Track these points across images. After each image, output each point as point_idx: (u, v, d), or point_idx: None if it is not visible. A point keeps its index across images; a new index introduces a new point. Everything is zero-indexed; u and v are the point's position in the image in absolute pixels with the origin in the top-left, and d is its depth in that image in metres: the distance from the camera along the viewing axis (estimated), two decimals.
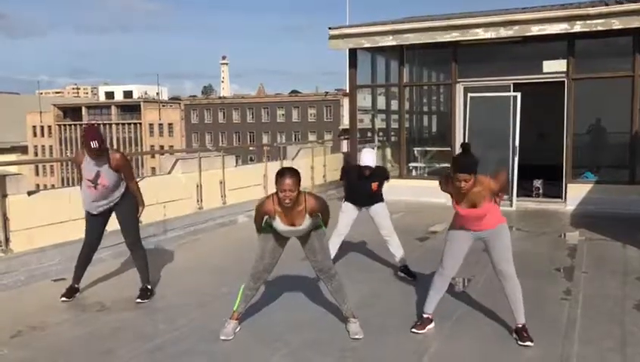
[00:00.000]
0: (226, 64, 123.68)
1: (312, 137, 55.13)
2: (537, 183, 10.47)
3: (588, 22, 9.29)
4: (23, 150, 74.42)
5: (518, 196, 10.03)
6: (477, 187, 3.96)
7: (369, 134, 13.08)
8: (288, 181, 3.97)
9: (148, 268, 5.28)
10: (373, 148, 5.89)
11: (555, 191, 10.26)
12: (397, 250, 5.84)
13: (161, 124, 73.71)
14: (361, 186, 5.70)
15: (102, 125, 76.35)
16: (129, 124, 75.62)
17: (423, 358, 3.92)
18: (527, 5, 11.36)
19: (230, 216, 8.94)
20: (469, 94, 10.48)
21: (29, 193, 6.09)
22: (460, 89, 10.74)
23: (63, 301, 5.09)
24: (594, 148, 11.81)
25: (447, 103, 11.78)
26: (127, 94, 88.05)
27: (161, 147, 66.73)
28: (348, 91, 12.09)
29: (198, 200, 8.44)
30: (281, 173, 4.03)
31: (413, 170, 11.78)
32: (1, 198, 5.71)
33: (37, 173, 72.82)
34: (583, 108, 10.15)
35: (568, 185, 9.94)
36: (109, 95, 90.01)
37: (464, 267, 4.51)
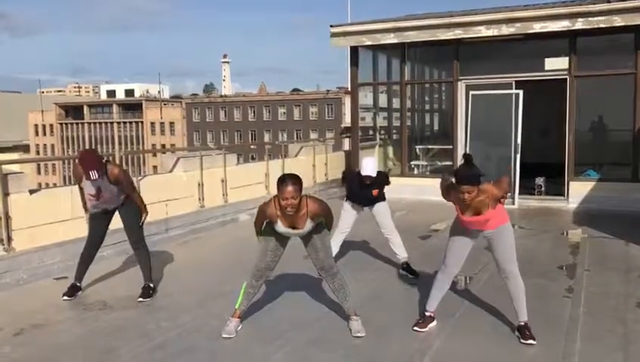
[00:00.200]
0: (228, 62, 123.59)
1: (313, 135, 55.11)
2: (539, 181, 10.45)
3: (590, 19, 9.27)
4: (25, 149, 74.50)
5: (520, 194, 10.02)
6: (480, 196, 3.93)
7: (371, 132, 13.07)
8: (290, 189, 3.97)
9: (151, 266, 5.28)
10: (373, 157, 5.86)
11: (557, 188, 10.24)
12: (399, 248, 5.83)
13: (162, 123, 73.70)
14: (362, 193, 5.72)
15: (103, 124, 76.53)
16: (130, 122, 75.63)
17: (425, 356, 3.91)
18: (529, 3, 11.35)
19: (232, 215, 8.94)
20: (471, 92, 10.46)
21: (31, 192, 6.10)
22: (461, 87, 10.72)
23: (65, 299, 5.10)
24: (596, 145, 11.79)
25: (449, 101, 11.76)
26: (129, 93, 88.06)
27: (163, 146, 66.73)
28: (349, 89, 12.08)
29: (199, 199, 8.44)
30: (283, 181, 4.01)
31: (415, 168, 11.77)
32: (3, 197, 5.71)
33: (39, 172, 72.86)
34: (585, 106, 10.13)
35: (570, 182, 9.93)
36: (111, 94, 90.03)
37: (466, 265, 4.50)
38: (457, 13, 10.59)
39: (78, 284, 5.25)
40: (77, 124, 78.29)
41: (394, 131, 12.82)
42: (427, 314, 4.40)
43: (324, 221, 4.32)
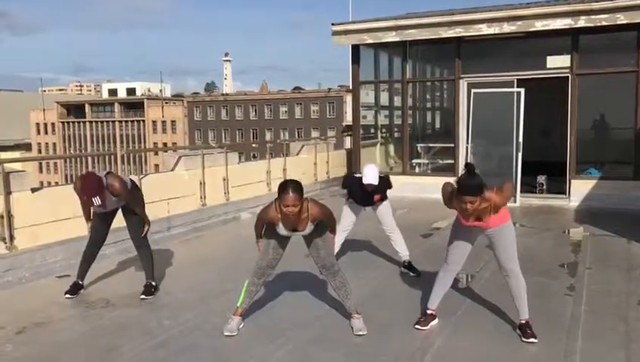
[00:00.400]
0: (229, 61, 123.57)
1: (315, 134, 55.08)
2: (541, 179, 10.45)
3: (592, 17, 9.25)
4: (27, 147, 74.63)
5: (521, 192, 10.01)
6: (483, 204, 3.91)
7: (372, 130, 13.07)
8: (292, 196, 3.97)
9: (153, 264, 5.29)
10: (375, 164, 5.81)
11: (558, 187, 10.24)
12: (400, 247, 5.84)
13: (164, 122, 73.72)
14: (364, 199, 5.70)
15: (105, 123, 76.56)
16: (132, 121, 75.67)
17: (427, 354, 3.92)
18: (531, 0, 11.33)
19: (233, 213, 8.95)
20: (473, 90, 10.45)
21: (33, 190, 6.11)
22: (463, 85, 10.71)
23: (67, 297, 5.11)
24: (598, 144, 11.77)
25: (450, 99, 11.75)
26: (131, 91, 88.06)
27: (165, 144, 66.81)
28: (351, 87, 12.07)
29: (201, 197, 8.44)
30: (284, 188, 4.00)
31: (417, 167, 11.77)
32: (6, 195, 5.72)
33: (40, 171, 72.98)
34: (586, 104, 10.12)
35: (572, 181, 9.92)
36: (112, 92, 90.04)
37: (468, 263, 4.50)
38: (458, 11, 10.58)
39: (81, 282, 5.26)
40: (79, 122, 78.35)
41: (395, 129, 12.81)
42: (429, 312, 4.40)
43: (326, 225, 4.32)
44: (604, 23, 9.19)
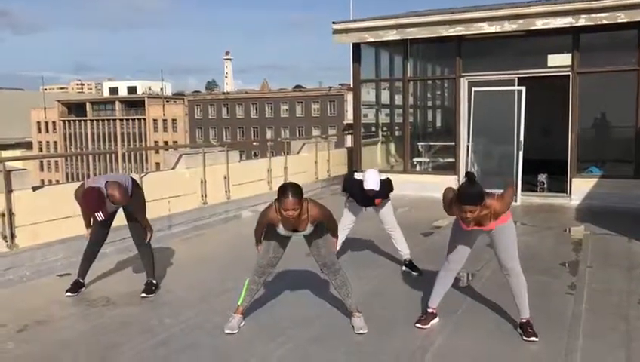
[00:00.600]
0: (230, 59, 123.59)
1: (315, 132, 55.02)
2: (542, 178, 10.44)
3: (593, 15, 9.24)
4: (28, 146, 74.67)
5: (522, 191, 10.01)
6: (483, 211, 3.90)
7: (373, 129, 13.06)
8: (292, 200, 3.96)
9: (154, 263, 5.30)
10: (376, 169, 5.74)
11: (559, 185, 10.23)
12: (401, 245, 5.84)
13: (165, 120, 73.73)
14: (365, 201, 5.69)
15: (106, 121, 76.58)
16: (133, 119, 75.70)
17: (428, 353, 3.92)
18: None
19: (234, 211, 8.95)
20: (474, 88, 10.44)
21: (34, 188, 6.11)
22: (464, 83, 10.70)
23: (68, 296, 5.11)
24: (599, 142, 11.76)
25: (451, 98, 11.74)
26: (131, 90, 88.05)
27: (165, 142, 66.82)
28: (352, 86, 12.07)
29: (202, 196, 8.45)
30: (284, 192, 3.98)
31: (418, 165, 11.76)
32: (7, 194, 5.72)
33: (42, 169, 73.02)
34: (587, 103, 10.10)
35: (573, 179, 9.91)
36: (113, 91, 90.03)
37: (469, 261, 4.50)
38: (459, 10, 10.57)
39: (82, 281, 5.26)
40: (79, 121, 78.39)
41: (396, 128, 12.80)
42: (429, 310, 4.41)
43: (327, 227, 4.32)
44: (604, 22, 9.17)
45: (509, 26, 9.83)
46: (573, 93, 9.85)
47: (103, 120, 77.34)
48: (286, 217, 4.03)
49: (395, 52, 11.67)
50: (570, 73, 9.84)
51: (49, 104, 78.00)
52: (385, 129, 13.04)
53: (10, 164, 5.92)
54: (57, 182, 53.45)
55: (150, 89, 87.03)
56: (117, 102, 78.57)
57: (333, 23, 11.18)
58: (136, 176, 6.42)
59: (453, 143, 10.93)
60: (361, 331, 4.22)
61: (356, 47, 11.38)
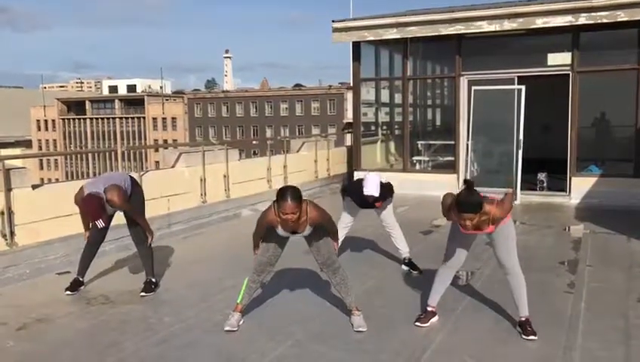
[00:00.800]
0: (230, 58, 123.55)
1: (315, 131, 55.04)
2: (541, 176, 10.44)
3: (593, 14, 9.24)
4: (27, 144, 74.54)
5: (522, 189, 10.01)
6: (482, 217, 3.90)
7: (373, 128, 13.06)
8: (291, 204, 3.95)
9: (153, 261, 5.30)
10: (377, 175, 5.68)
11: (559, 184, 10.24)
12: (401, 244, 5.84)
13: (164, 118, 73.73)
14: (364, 204, 5.67)
15: (105, 119, 76.56)
16: (132, 118, 75.71)
17: (427, 351, 3.92)
18: None
19: (234, 210, 8.96)
20: (473, 87, 10.45)
21: (34, 187, 6.11)
22: (464, 82, 10.70)
23: (67, 294, 5.11)
24: (599, 141, 11.76)
25: (450, 97, 11.74)
26: (131, 88, 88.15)
27: (165, 141, 66.80)
28: (351, 85, 12.07)
29: (201, 194, 8.45)
30: (283, 196, 3.97)
31: (417, 164, 11.76)
32: (6, 192, 5.72)
33: (41, 167, 73.03)
34: (587, 102, 10.11)
35: (573, 178, 9.92)
36: (113, 89, 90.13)
37: (468, 260, 4.50)
38: (459, 9, 10.57)
39: (81, 279, 5.26)
40: (79, 119, 78.39)
41: (396, 127, 12.80)
42: (429, 309, 4.41)
43: (326, 230, 4.31)
44: (604, 21, 9.17)
45: (509, 25, 9.83)
46: (573, 92, 9.85)
47: (102, 118, 77.34)
48: (285, 220, 4.03)
49: (395, 51, 11.67)
50: (570, 72, 9.85)
51: (48, 102, 78.00)
52: (385, 128, 13.04)
53: (9, 163, 5.91)
54: (57, 180, 53.47)
55: (150, 87, 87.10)
56: (116, 101, 78.58)
57: (333, 21, 11.17)
58: (135, 175, 6.42)
59: (452, 142, 10.94)
60: (361, 329, 4.22)
61: (356, 45, 11.37)
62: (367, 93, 12.61)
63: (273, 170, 10.07)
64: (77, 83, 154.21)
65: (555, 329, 4.21)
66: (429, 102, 13.93)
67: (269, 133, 65.52)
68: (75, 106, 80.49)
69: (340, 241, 5.79)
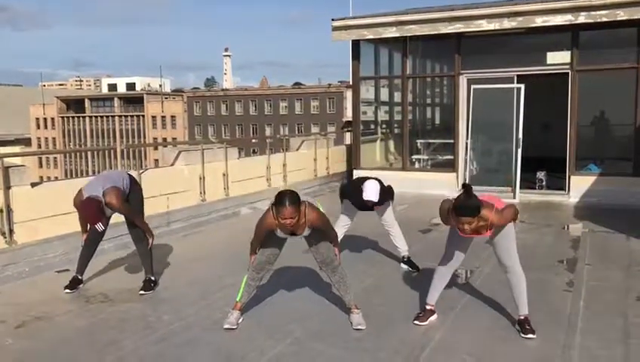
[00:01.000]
0: (229, 56, 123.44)
1: (315, 129, 55.05)
2: (540, 175, 10.45)
3: (592, 13, 9.24)
4: (27, 142, 74.51)
5: (521, 188, 10.02)
6: (480, 223, 3.89)
7: (372, 126, 13.07)
8: (289, 209, 3.93)
9: (152, 259, 5.29)
10: (377, 181, 5.65)
11: (558, 183, 10.24)
12: (400, 242, 5.84)
13: (163, 117, 73.69)
14: (363, 207, 5.66)
15: (105, 117, 76.51)
16: (132, 116, 75.65)
17: (426, 349, 3.93)
18: None
19: (233, 208, 8.96)
20: (473, 86, 10.45)
21: (33, 185, 6.11)
22: (463, 81, 10.70)
23: (66, 292, 5.11)
24: (598, 140, 11.77)
25: (450, 95, 11.74)
26: (130, 86, 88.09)
27: (164, 139, 66.73)
28: (351, 83, 12.06)
29: (201, 193, 8.45)
30: (281, 202, 3.94)
31: (416, 163, 11.77)
32: (5, 190, 5.72)
33: (40, 165, 73.00)
34: (586, 100, 10.11)
35: (572, 177, 9.92)
36: (112, 87, 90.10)
37: (467, 258, 4.50)
38: (459, 7, 10.57)
39: (80, 277, 5.26)
40: (78, 117, 78.32)
41: (395, 125, 12.81)
42: (428, 307, 4.41)
43: (326, 233, 4.30)
44: (604, 19, 9.18)
45: (509, 24, 9.83)
46: (573, 91, 9.85)
47: (101, 116, 77.28)
48: (284, 224, 4.02)
49: (395, 49, 11.67)
50: (569, 71, 9.85)
51: (48, 100, 77.92)
52: (384, 126, 13.04)
53: (9, 160, 5.90)
54: (56, 178, 53.48)
55: (149, 85, 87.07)
56: (116, 99, 78.52)
57: (333, 19, 11.17)
58: (134, 173, 6.42)
59: (452, 141, 10.94)
60: (360, 327, 4.23)
61: (355, 44, 11.37)
62: (367, 91, 12.61)
63: (272, 168, 10.07)
64: (76, 81, 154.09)
65: (554, 328, 4.22)
66: (429, 100, 13.92)
67: (268, 131, 65.50)
68: (74, 104, 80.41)
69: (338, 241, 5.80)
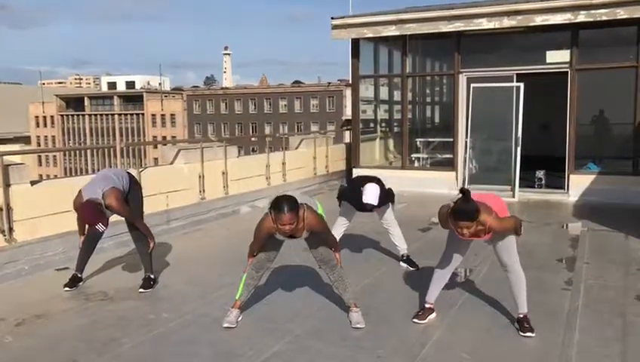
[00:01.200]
0: (229, 54, 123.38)
1: (314, 128, 55.04)
2: (540, 174, 10.45)
3: (592, 11, 9.24)
4: (26, 140, 74.49)
5: (520, 187, 10.02)
6: (479, 226, 3.89)
7: (371, 125, 13.07)
8: (288, 216, 3.93)
9: (151, 258, 5.30)
10: (377, 186, 5.62)
11: (557, 182, 10.25)
12: (399, 241, 5.85)
13: (163, 115, 73.63)
14: (362, 210, 5.66)
15: (104, 116, 76.45)
16: (131, 114, 75.58)
17: (425, 347, 3.93)
18: None
19: (232, 207, 8.96)
20: (472, 85, 10.45)
21: (32, 183, 6.11)
22: (462, 79, 10.70)
23: (66, 290, 5.12)
24: (597, 139, 11.78)
25: (449, 94, 11.75)
26: (130, 85, 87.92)
27: (164, 137, 66.73)
28: (350, 82, 12.06)
29: (200, 191, 8.45)
30: (279, 208, 3.93)
31: (416, 161, 11.78)
32: (5, 188, 5.72)
33: (40, 164, 72.93)
34: (586, 99, 10.11)
35: (571, 175, 9.93)
36: (112, 85, 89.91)
37: (467, 257, 4.51)
38: (458, 6, 10.57)
39: (79, 275, 5.27)
40: (78, 115, 78.24)
41: (395, 124, 12.81)
42: (427, 305, 4.42)
43: (326, 238, 4.30)
44: (604, 18, 9.18)
45: (508, 22, 9.83)
46: (572, 90, 9.85)
47: (101, 114, 77.20)
48: (283, 230, 4.02)
49: (394, 48, 11.67)
50: (568, 70, 9.85)
51: (47, 98, 77.83)
52: (383, 125, 13.04)
53: (8, 159, 5.91)
54: (55, 176, 53.44)
55: (149, 84, 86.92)
56: (115, 97, 78.43)
57: (332, 18, 11.16)
58: (134, 171, 6.42)
59: (451, 139, 10.94)
60: (359, 326, 4.23)
61: (355, 42, 11.37)
62: (366, 90, 12.61)
63: (272, 166, 10.07)
64: (76, 79, 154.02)
65: (553, 326, 4.23)
66: (428, 99, 13.93)
67: (267, 129, 65.49)
68: (73, 102, 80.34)
69: (337, 240, 5.80)
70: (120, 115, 76.17)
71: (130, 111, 75.74)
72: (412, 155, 11.71)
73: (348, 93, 45.70)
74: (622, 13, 9.03)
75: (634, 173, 9.58)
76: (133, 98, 77.22)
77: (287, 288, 5.11)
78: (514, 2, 10.06)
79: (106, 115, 76.89)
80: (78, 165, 73.89)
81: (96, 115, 77.52)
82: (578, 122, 10.03)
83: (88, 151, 75.15)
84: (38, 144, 76.66)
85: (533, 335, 4.04)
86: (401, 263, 5.86)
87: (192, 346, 3.99)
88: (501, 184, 9.99)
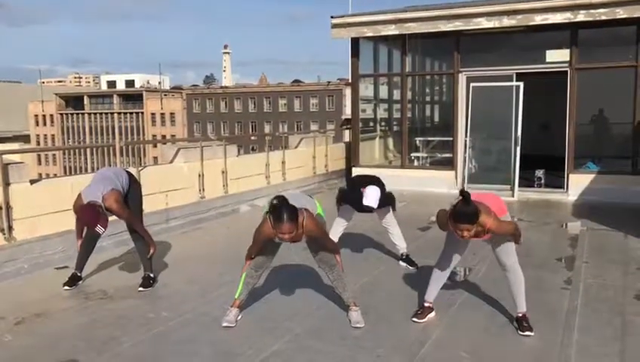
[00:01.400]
0: (228, 53, 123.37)
1: (314, 127, 55.06)
2: (539, 173, 10.46)
3: (592, 11, 9.24)
4: (25, 139, 74.40)
5: (520, 186, 10.03)
6: (478, 228, 3.89)
7: (371, 124, 13.07)
8: (287, 225, 3.90)
9: (151, 256, 5.30)
10: (378, 189, 5.59)
11: (557, 181, 10.25)
12: (398, 240, 5.85)
13: (163, 114, 73.60)
14: (362, 211, 5.66)
15: (104, 114, 76.40)
16: (131, 113, 75.55)
17: (424, 346, 3.94)
18: None
19: (232, 206, 8.96)
20: (472, 84, 10.45)
21: (32, 182, 6.11)
22: (462, 78, 10.71)
23: (65, 289, 5.12)
24: (596, 138, 11.78)
25: (449, 93, 11.75)
26: (129, 83, 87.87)
27: (163, 136, 66.66)
28: (350, 81, 12.06)
29: (200, 190, 8.45)
30: (279, 216, 3.89)
31: (415, 160, 11.78)
32: (4, 187, 5.72)
33: (39, 162, 72.88)
34: (585, 99, 10.12)
35: (570, 175, 9.94)
36: (111, 84, 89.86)
37: (465, 256, 4.51)
38: (458, 5, 10.57)
39: (79, 274, 5.27)
40: (77, 114, 78.21)
41: (394, 123, 12.81)
42: (426, 304, 4.43)
43: (326, 244, 4.29)
44: (603, 18, 9.18)
45: (508, 22, 9.83)
46: (571, 89, 9.86)
47: (100, 113, 77.17)
48: (282, 237, 4.00)
49: (394, 47, 11.67)
50: (568, 69, 9.85)
51: (47, 97, 77.78)
52: (383, 124, 13.04)
53: (7, 157, 5.90)
54: (55, 175, 53.41)
55: (148, 82, 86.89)
56: (115, 96, 78.40)
57: (332, 17, 11.16)
58: (133, 170, 6.42)
59: (451, 138, 10.95)
60: (358, 325, 4.24)
61: (355, 41, 11.36)
62: (366, 89, 12.61)
63: (271, 165, 10.07)
64: (75, 78, 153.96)
65: (552, 326, 4.23)
66: (428, 98, 13.93)
67: (267, 128, 65.48)
68: (73, 101, 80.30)
69: (336, 239, 5.80)
70: (119, 113, 76.14)
71: (130, 110, 75.70)
72: (412, 154, 11.71)
73: (347, 92, 45.72)
74: (621, 13, 9.04)
75: (633, 172, 9.58)
76: (132, 97, 77.18)
77: (286, 287, 5.11)
78: (514, 1, 10.05)
79: (106, 113, 76.85)
80: (78, 164, 73.85)
81: (95, 113, 77.48)
82: (577, 121, 10.03)
83: (88, 150, 75.06)
84: (38, 143, 76.62)
85: (532, 334, 4.05)
86: (401, 262, 5.86)
87: (192, 345, 4.00)
88: (500, 183, 10.00)
